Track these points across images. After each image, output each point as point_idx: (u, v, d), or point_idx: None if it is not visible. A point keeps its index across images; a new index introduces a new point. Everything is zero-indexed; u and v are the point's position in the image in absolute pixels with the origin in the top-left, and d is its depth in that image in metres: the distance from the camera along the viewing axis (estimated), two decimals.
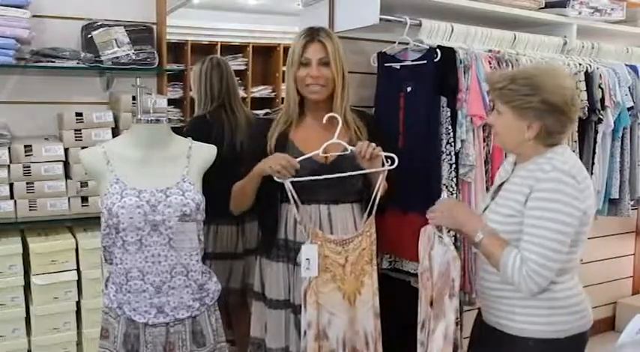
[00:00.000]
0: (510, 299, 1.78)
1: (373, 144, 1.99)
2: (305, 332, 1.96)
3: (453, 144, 2.47)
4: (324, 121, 2.01)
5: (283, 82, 2.22)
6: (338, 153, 2.05)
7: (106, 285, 1.86)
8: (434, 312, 1.87)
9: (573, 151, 2.87)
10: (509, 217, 1.75)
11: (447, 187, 2.41)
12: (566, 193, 1.66)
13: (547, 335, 1.76)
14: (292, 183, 1.95)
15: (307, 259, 1.94)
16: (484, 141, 2.52)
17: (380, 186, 2.01)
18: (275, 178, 1.93)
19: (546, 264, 1.65)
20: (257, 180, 2.02)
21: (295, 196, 1.95)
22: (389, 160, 2.01)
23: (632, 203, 3.23)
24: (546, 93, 1.69)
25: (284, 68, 2.17)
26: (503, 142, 1.86)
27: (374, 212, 2.04)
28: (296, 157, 2.01)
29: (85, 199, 2.29)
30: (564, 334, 1.76)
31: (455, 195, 2.44)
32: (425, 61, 2.49)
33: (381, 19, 2.49)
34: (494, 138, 1.94)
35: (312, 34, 2.08)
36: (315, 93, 2.07)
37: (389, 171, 2.02)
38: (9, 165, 2.17)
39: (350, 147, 2.01)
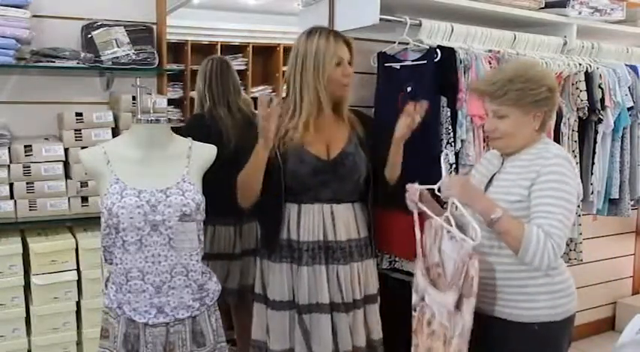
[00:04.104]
0: (513, 288, 1.84)
1: None
2: None
3: (453, 144, 2.47)
4: None
5: (283, 82, 2.22)
6: (340, 150, 2.07)
7: (106, 285, 1.86)
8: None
9: (573, 151, 2.89)
10: (516, 203, 1.81)
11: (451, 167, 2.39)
12: (569, 173, 1.80)
13: (549, 318, 1.83)
14: (290, 182, 1.93)
15: None
16: (484, 141, 2.52)
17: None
18: None
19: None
20: (261, 157, 1.96)
21: None
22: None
23: (632, 203, 3.23)
24: (545, 80, 1.84)
25: (284, 68, 2.18)
26: (511, 142, 1.87)
27: None
28: (301, 156, 2.04)
29: (85, 199, 2.29)
30: (561, 316, 1.85)
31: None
32: (425, 61, 2.49)
33: (381, 19, 2.49)
34: (495, 143, 1.93)
35: (338, 34, 2.11)
36: (346, 92, 2.13)
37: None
38: (9, 165, 2.17)
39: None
